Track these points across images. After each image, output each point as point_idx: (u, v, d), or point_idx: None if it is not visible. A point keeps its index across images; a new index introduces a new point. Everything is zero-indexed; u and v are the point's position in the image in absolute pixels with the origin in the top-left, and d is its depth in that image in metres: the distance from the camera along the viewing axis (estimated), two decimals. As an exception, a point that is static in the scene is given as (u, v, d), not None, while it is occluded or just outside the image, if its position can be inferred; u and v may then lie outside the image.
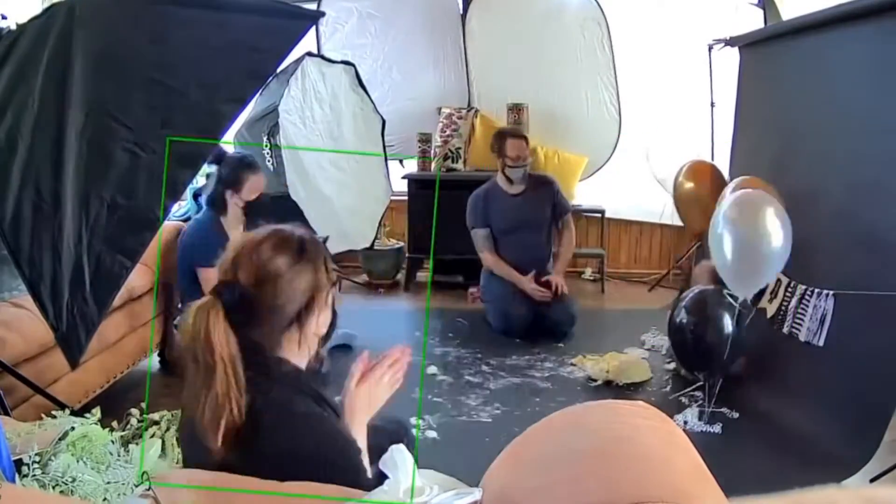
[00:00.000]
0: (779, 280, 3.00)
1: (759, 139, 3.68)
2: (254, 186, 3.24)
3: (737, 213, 2.66)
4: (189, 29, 1.94)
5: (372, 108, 4.68)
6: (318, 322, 1.37)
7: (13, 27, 2.08)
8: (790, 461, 2.53)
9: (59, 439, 1.43)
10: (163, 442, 2.35)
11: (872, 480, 2.28)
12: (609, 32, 5.16)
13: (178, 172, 1.90)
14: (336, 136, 4.41)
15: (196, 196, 4.79)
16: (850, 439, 2.47)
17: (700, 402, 2.97)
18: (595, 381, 3.31)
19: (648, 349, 3.73)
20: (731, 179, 3.33)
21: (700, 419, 2.85)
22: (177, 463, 2.32)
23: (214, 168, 3.29)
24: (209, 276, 3.15)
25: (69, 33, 1.85)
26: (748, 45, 3.80)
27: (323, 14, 2.88)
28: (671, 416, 1.30)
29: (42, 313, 1.86)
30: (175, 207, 4.75)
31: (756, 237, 2.59)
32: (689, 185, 3.72)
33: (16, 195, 1.80)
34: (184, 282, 3.27)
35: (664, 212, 5.03)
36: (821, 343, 2.77)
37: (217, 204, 3.25)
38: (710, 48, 4.46)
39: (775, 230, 2.57)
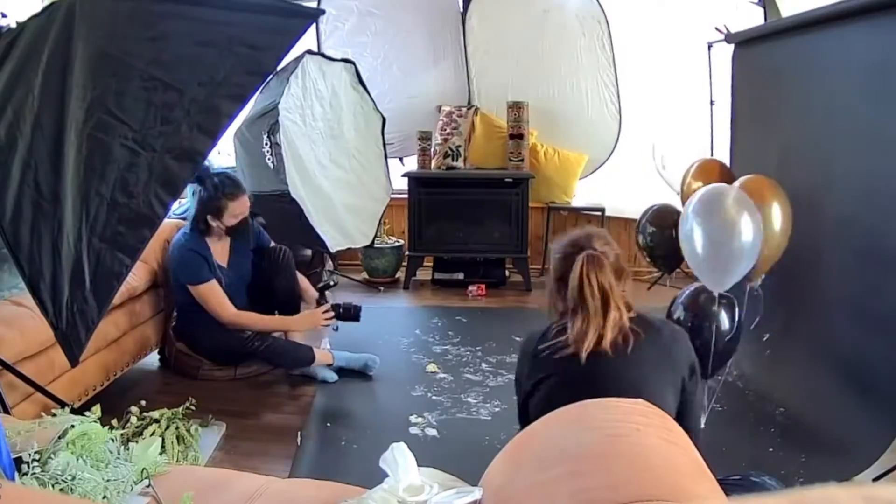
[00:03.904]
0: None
1: (758, 139, 3.68)
2: (235, 212, 3.22)
3: (704, 207, 2.63)
4: (189, 26, 1.94)
5: (372, 105, 4.68)
6: None
7: (13, 25, 2.07)
8: (792, 459, 2.53)
9: (59, 437, 1.43)
10: (162, 440, 2.36)
11: (875, 480, 2.28)
12: (609, 31, 5.16)
13: (177, 170, 1.90)
14: (336, 134, 4.41)
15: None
16: (859, 436, 2.48)
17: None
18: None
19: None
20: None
21: (700, 417, 2.84)
22: (176, 461, 2.33)
23: (197, 186, 3.22)
24: (199, 292, 3.17)
25: (69, 31, 1.84)
26: (743, 42, 3.79)
27: (323, 12, 2.88)
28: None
29: (42, 311, 1.85)
30: (175, 205, 4.75)
31: (725, 231, 2.55)
32: (698, 184, 3.72)
33: (15, 193, 1.79)
34: (176, 289, 3.30)
35: (664, 210, 5.02)
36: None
37: (199, 227, 3.24)
38: (710, 46, 4.46)
39: (745, 223, 2.54)
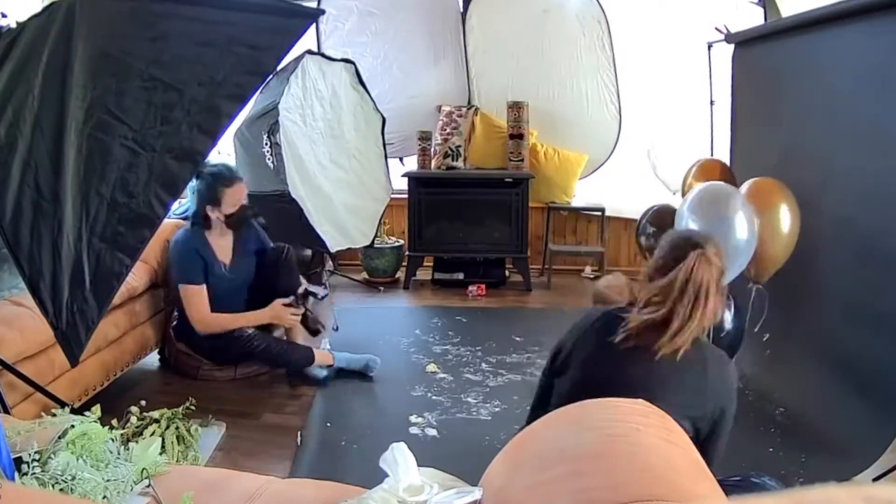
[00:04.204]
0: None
1: (758, 139, 3.68)
2: (232, 200, 3.24)
3: (700, 205, 2.64)
4: (189, 26, 1.94)
5: (372, 105, 4.68)
6: None
7: (13, 25, 2.07)
8: (792, 459, 2.53)
9: (59, 437, 1.43)
10: (162, 439, 2.36)
11: (875, 480, 2.28)
12: (609, 30, 5.16)
13: (177, 170, 1.90)
14: (336, 134, 4.41)
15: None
16: (859, 436, 2.48)
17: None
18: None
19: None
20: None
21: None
22: (176, 461, 2.33)
23: (196, 183, 3.27)
24: (185, 292, 3.18)
25: (69, 31, 1.85)
26: (743, 42, 3.79)
27: (323, 12, 2.87)
28: (671, 415, 1.31)
29: (42, 311, 1.85)
30: (175, 205, 4.75)
31: (720, 228, 2.56)
32: (699, 184, 3.74)
33: (16, 193, 1.80)
34: (178, 291, 3.30)
35: (664, 210, 5.02)
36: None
37: (199, 220, 3.27)
38: (710, 46, 4.46)
39: (739, 221, 2.55)
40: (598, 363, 1.73)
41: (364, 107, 4.64)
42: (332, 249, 4.31)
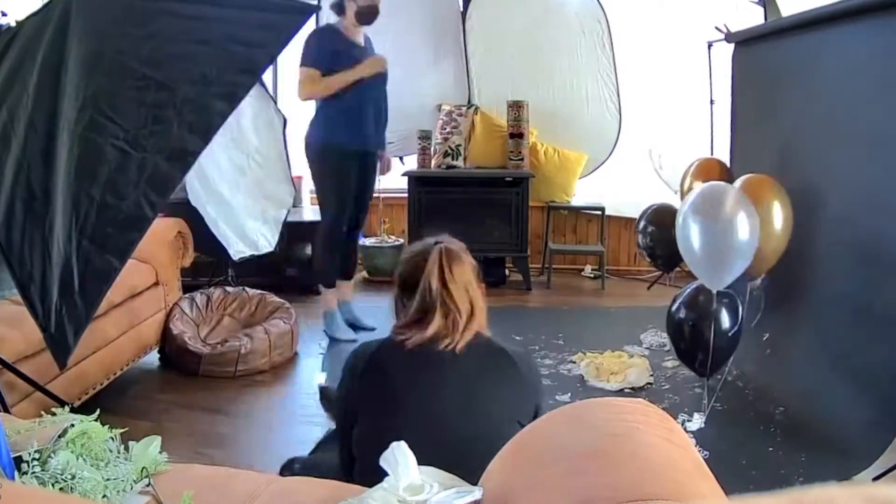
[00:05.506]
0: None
1: (758, 139, 3.68)
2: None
3: (703, 205, 2.64)
4: (183, 24, 1.91)
5: (273, 106, 4.27)
6: None
7: (13, 24, 2.07)
8: (792, 459, 2.53)
9: (59, 436, 1.43)
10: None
11: (875, 479, 2.28)
12: (609, 30, 5.16)
13: (168, 171, 1.88)
14: (235, 136, 3.94)
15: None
16: (859, 436, 2.48)
17: (701, 398, 2.97)
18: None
19: (647, 347, 3.74)
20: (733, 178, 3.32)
21: (700, 417, 2.84)
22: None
23: None
24: (302, 76, 3.61)
25: (65, 29, 1.83)
26: (743, 41, 3.80)
27: (319, 7, 2.84)
28: (671, 414, 1.30)
29: (31, 313, 1.82)
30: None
31: (722, 228, 2.56)
32: (698, 183, 3.73)
33: (8, 193, 1.77)
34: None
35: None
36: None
37: (338, 8, 3.69)
38: (710, 45, 4.47)
39: (741, 221, 2.55)
40: (396, 391, 1.57)
41: (265, 106, 4.34)
42: (235, 257, 3.99)
